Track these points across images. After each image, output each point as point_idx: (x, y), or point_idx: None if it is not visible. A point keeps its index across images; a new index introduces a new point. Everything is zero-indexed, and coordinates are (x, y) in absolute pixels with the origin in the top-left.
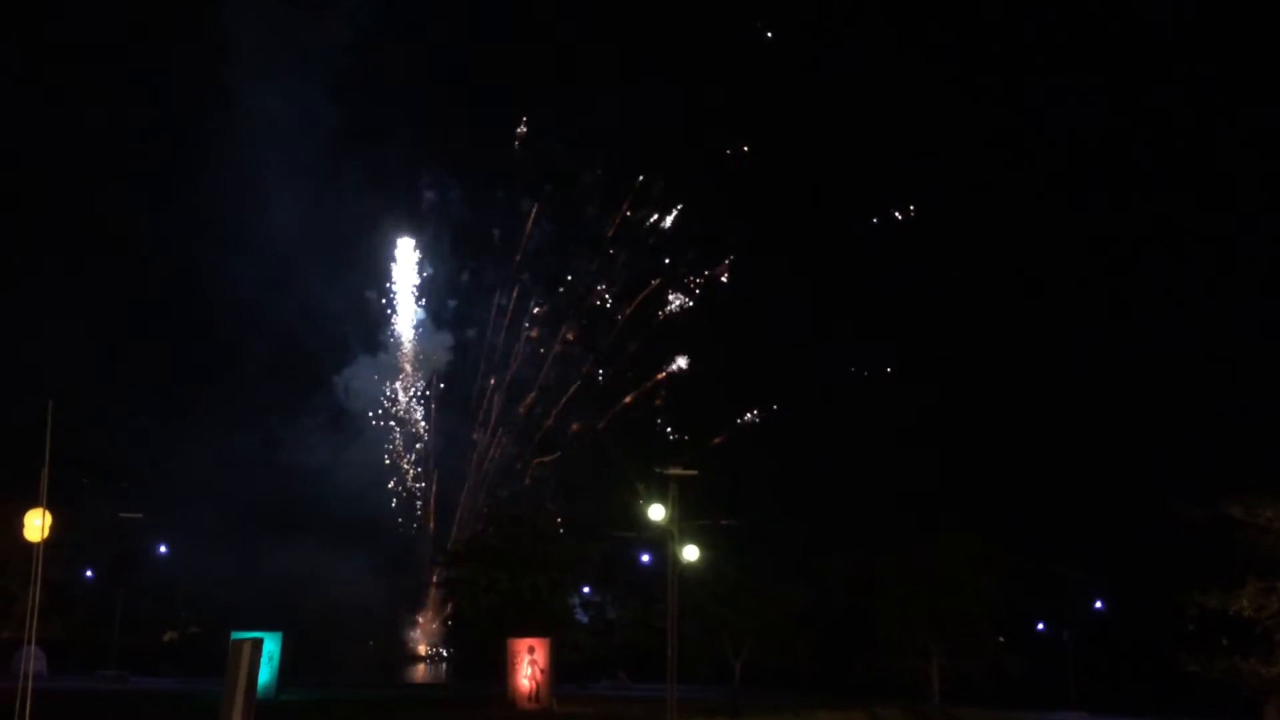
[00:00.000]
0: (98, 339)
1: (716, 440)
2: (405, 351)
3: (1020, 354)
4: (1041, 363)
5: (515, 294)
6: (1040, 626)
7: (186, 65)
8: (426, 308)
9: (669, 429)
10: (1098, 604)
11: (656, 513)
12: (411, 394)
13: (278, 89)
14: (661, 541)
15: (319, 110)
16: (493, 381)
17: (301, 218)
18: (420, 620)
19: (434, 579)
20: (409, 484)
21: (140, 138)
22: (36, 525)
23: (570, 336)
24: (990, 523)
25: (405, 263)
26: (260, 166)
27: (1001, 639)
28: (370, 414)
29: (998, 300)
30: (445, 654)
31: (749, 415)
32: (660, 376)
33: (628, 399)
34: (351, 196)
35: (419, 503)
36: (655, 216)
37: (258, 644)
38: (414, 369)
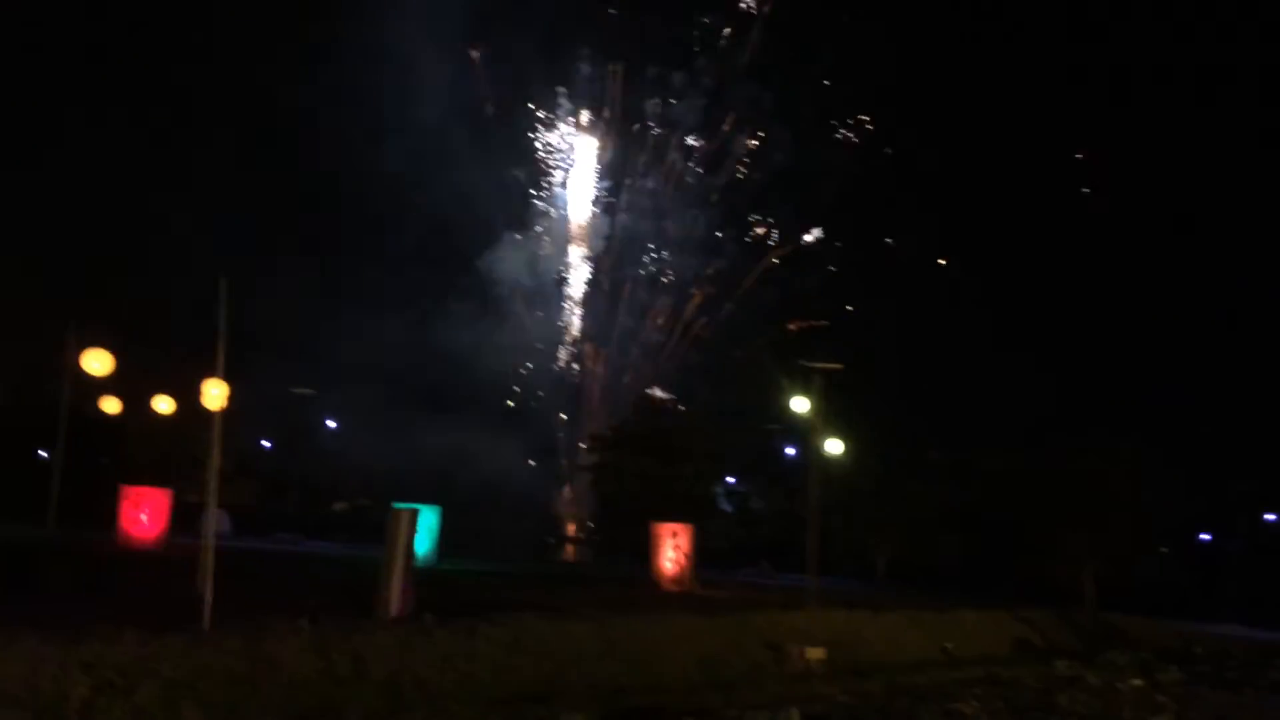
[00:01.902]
0: (260, 221)
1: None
2: (556, 233)
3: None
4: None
5: (670, 176)
6: (1205, 537)
7: None
8: (579, 189)
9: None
10: (1268, 516)
11: (800, 405)
12: (562, 277)
13: None
14: (806, 434)
15: None
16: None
17: (448, 96)
18: (567, 502)
19: (580, 463)
20: (557, 368)
21: (286, 17)
22: (214, 395)
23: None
24: (1156, 430)
25: (557, 143)
26: (407, 43)
27: (1163, 549)
28: (518, 296)
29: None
30: (591, 536)
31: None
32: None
33: (776, 257)
34: (500, 74)
35: (568, 387)
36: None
37: (414, 514)
38: (565, 251)
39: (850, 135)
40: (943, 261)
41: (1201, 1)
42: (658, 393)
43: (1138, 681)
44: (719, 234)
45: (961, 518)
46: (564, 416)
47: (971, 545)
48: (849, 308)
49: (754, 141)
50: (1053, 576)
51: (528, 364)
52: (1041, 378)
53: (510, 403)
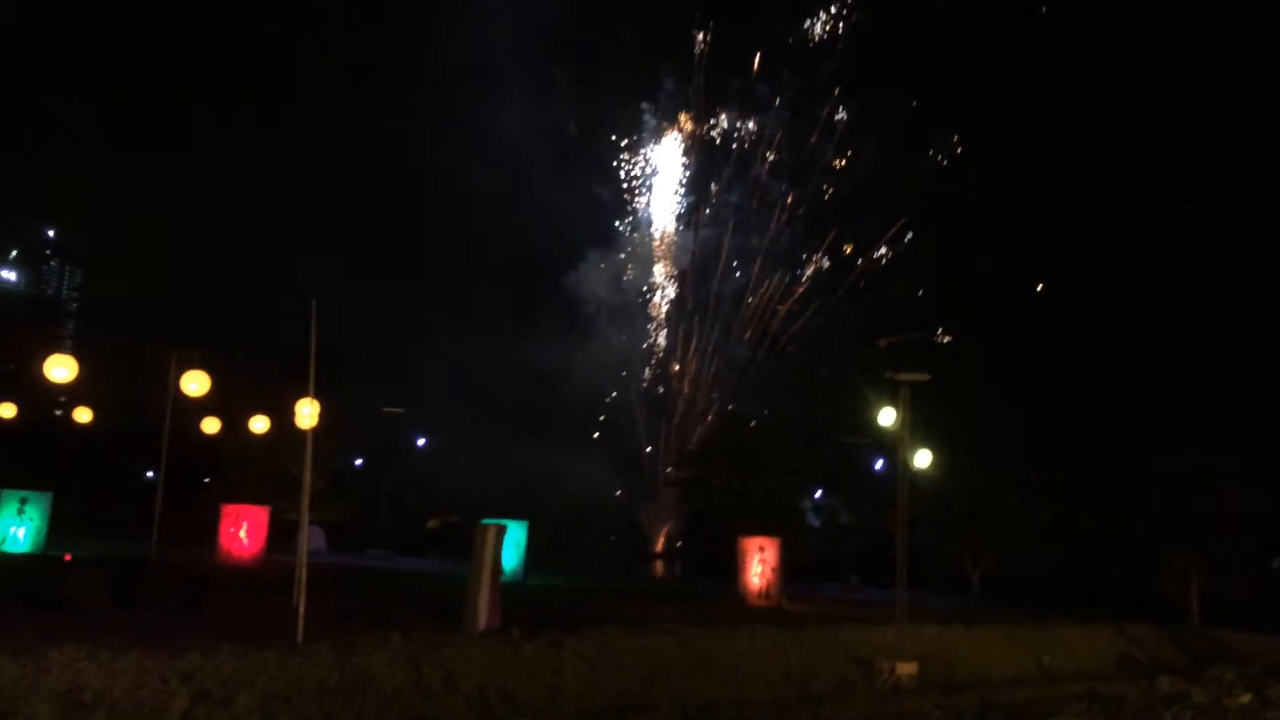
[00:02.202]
0: (351, 243)
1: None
2: (641, 251)
3: None
4: None
5: (755, 193)
6: None
7: None
8: (663, 205)
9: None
10: None
11: (887, 417)
12: (646, 294)
13: None
14: (893, 446)
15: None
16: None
17: (531, 116)
18: (654, 518)
19: (667, 479)
20: (642, 384)
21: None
22: (306, 414)
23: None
24: (1257, 441)
25: (641, 159)
26: (490, 64)
27: (1276, 562)
28: (604, 314)
29: None
30: (678, 552)
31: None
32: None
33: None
34: (582, 94)
35: (654, 404)
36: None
37: (501, 529)
38: (649, 268)
39: (939, 156)
40: (1039, 287)
41: None
42: (742, 408)
43: (1246, 698)
44: (804, 249)
45: (1059, 532)
46: (650, 434)
47: (1070, 560)
48: (940, 332)
49: (839, 161)
50: (1157, 591)
51: (619, 379)
52: (1133, 395)
53: (602, 418)
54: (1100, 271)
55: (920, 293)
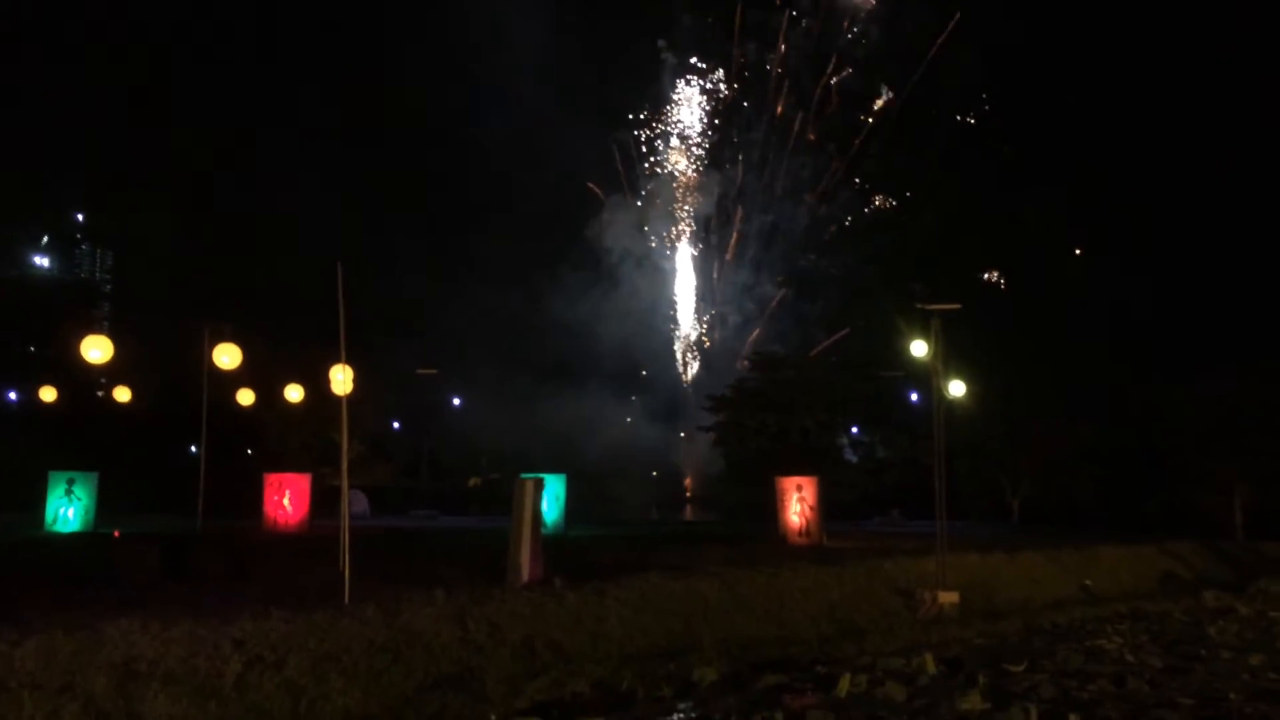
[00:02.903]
0: (374, 207)
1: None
2: (665, 194)
3: None
4: None
5: (777, 124)
6: None
7: None
8: (684, 148)
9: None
10: None
11: (918, 349)
12: (672, 238)
13: None
14: (927, 378)
15: None
16: (736, 218)
17: (548, 66)
18: (692, 463)
19: (702, 423)
20: (672, 329)
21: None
22: (339, 380)
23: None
24: None
25: (654, 103)
26: (508, 19)
27: None
28: (629, 260)
29: None
30: (717, 494)
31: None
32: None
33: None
34: (598, 43)
35: (684, 348)
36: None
37: (539, 483)
38: (674, 211)
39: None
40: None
41: None
42: (775, 348)
43: None
44: (829, 181)
45: (1100, 452)
46: (682, 373)
47: (1111, 481)
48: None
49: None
50: (1201, 506)
51: (650, 327)
52: (1179, 310)
53: (643, 372)
54: (1141, 170)
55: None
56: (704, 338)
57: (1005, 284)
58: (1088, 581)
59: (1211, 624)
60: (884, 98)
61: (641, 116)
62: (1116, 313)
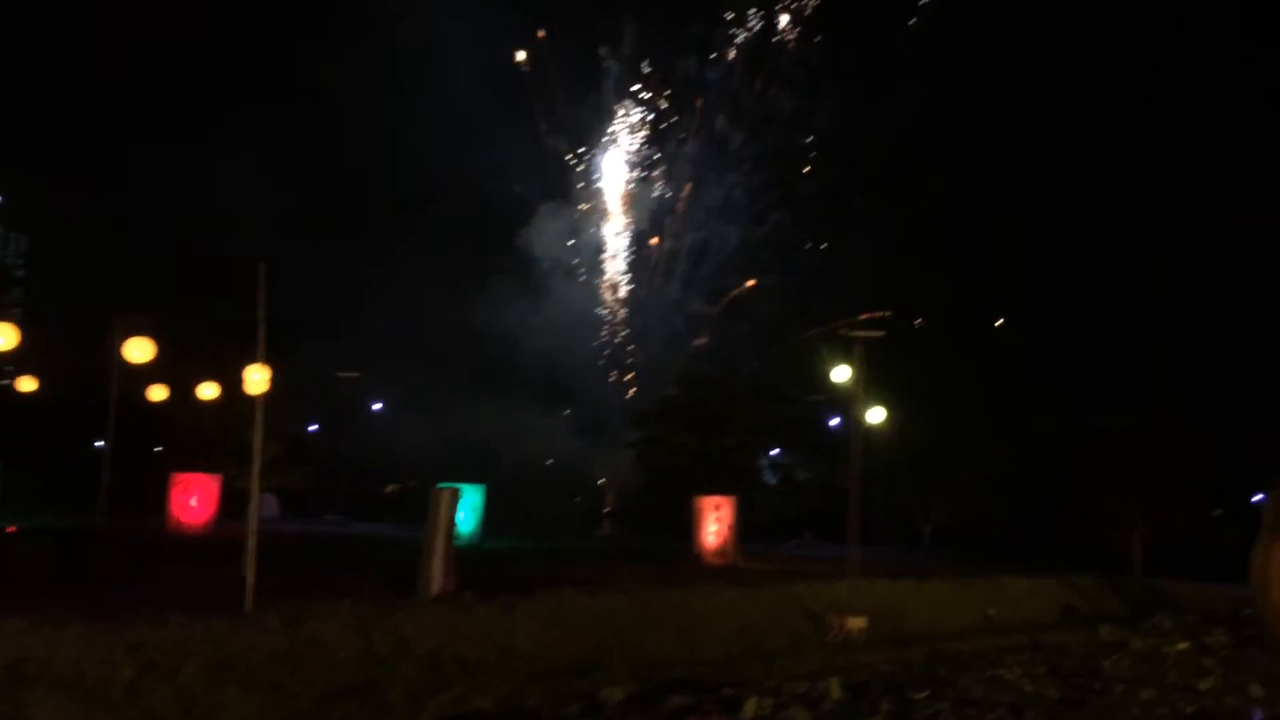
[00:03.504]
0: (299, 202)
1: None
2: (596, 204)
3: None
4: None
5: (692, 144)
6: (1259, 498)
7: None
8: (620, 159)
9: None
10: None
11: (841, 374)
12: (603, 249)
13: None
14: (848, 404)
15: None
16: (660, 238)
17: (477, 67)
18: (613, 478)
19: (626, 438)
20: (600, 342)
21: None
22: (255, 379)
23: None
24: (1207, 389)
25: (591, 111)
26: (430, 21)
27: (1219, 511)
28: (559, 270)
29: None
30: (636, 511)
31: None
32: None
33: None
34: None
35: (610, 362)
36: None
37: (456, 493)
38: (606, 223)
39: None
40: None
41: None
42: (701, 366)
43: (1184, 645)
44: (763, 203)
45: (1008, 483)
46: (607, 387)
47: (1019, 511)
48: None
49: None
50: (1102, 541)
51: (577, 338)
52: (1094, 338)
53: (569, 384)
54: (1071, 210)
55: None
56: (632, 353)
57: (924, 321)
58: (991, 611)
59: (1107, 657)
60: (819, 120)
61: (578, 124)
62: (1032, 353)
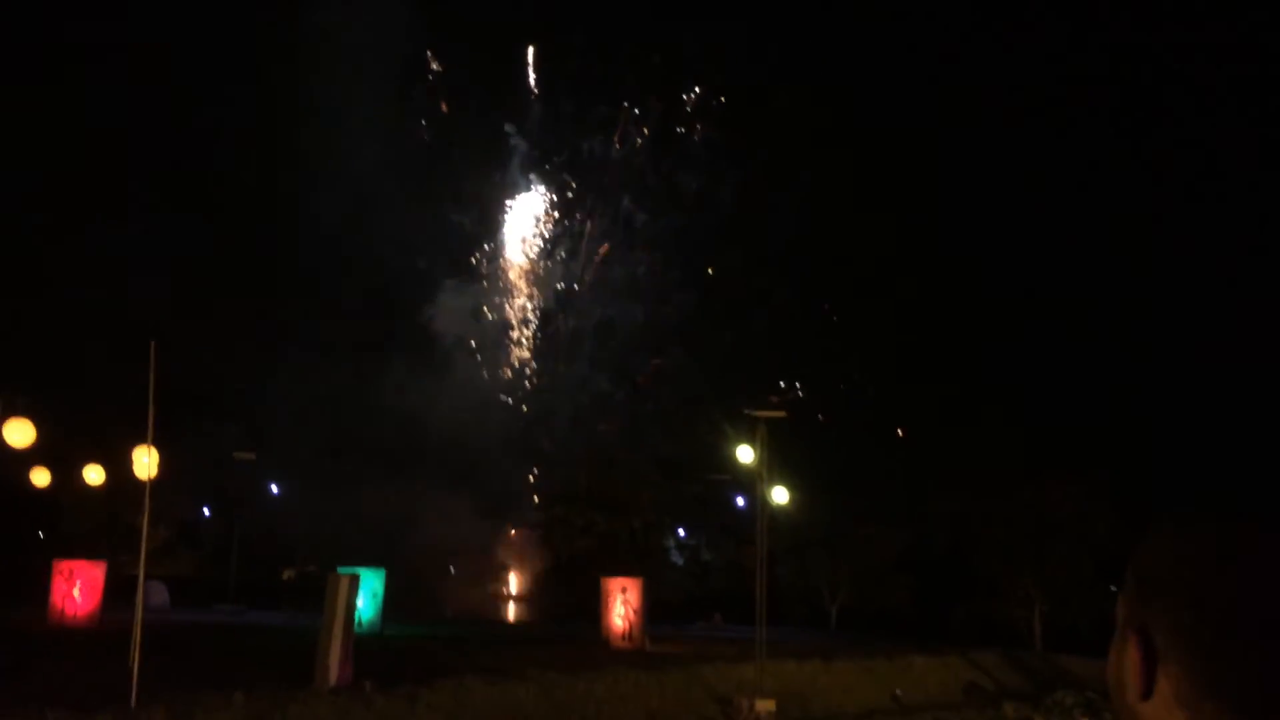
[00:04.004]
0: (189, 276)
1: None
2: (501, 281)
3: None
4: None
5: (597, 223)
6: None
7: None
8: (520, 236)
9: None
10: None
11: (745, 455)
12: (508, 327)
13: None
14: (753, 483)
15: (394, 28)
16: (564, 316)
17: (381, 145)
18: (516, 560)
19: (531, 519)
20: (504, 421)
21: (210, 70)
22: (144, 463)
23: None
24: (1099, 464)
25: (496, 188)
26: (334, 96)
27: (1113, 587)
28: (463, 348)
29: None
30: (542, 594)
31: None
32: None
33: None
34: (433, 124)
35: (515, 441)
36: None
37: (355, 579)
38: (508, 301)
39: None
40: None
41: None
42: (606, 446)
43: None
44: (667, 282)
45: (911, 562)
46: (514, 473)
47: (923, 589)
48: (797, 387)
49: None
50: (1004, 618)
51: (481, 417)
52: (992, 420)
53: (473, 464)
54: (967, 292)
55: (783, 322)
56: (537, 432)
57: (825, 416)
58: (898, 691)
59: None
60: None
61: (483, 201)
62: (920, 431)
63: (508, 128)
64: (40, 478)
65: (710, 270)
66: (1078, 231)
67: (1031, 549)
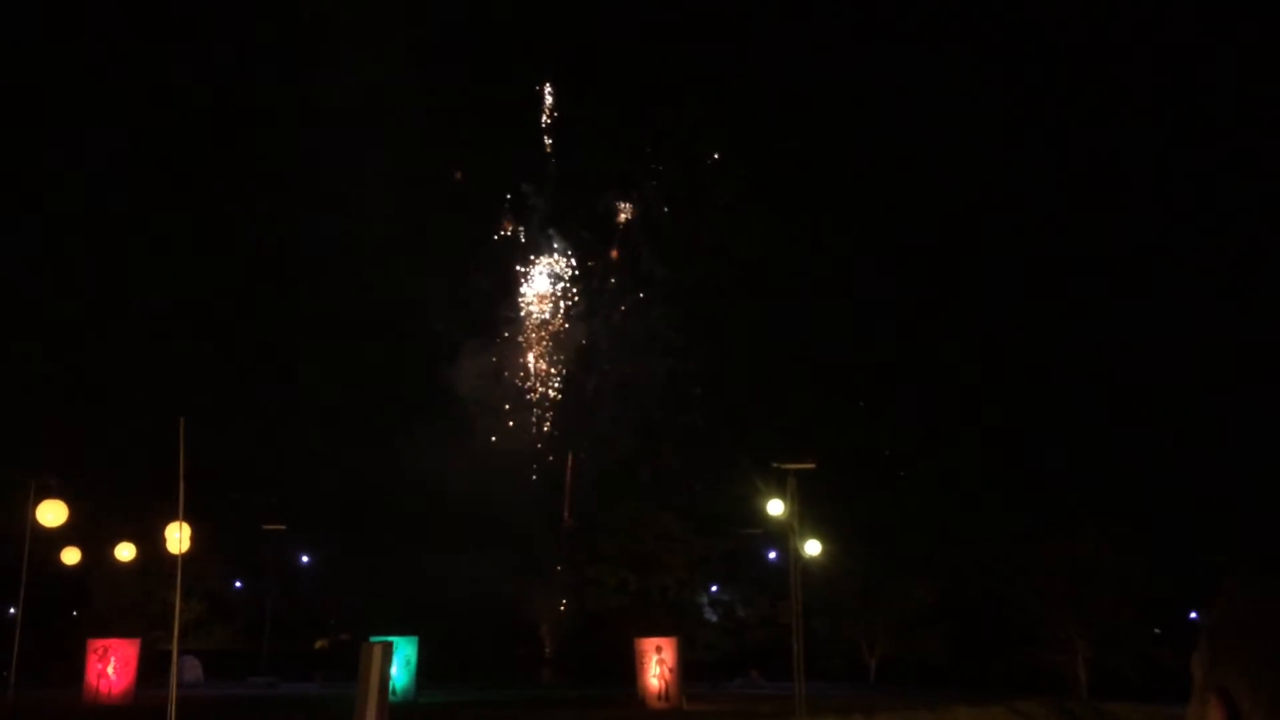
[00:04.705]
0: (215, 351)
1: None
2: (522, 343)
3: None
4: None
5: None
6: (1194, 616)
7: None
8: (539, 294)
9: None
10: None
11: (775, 508)
12: (529, 387)
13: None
14: (785, 536)
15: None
16: (587, 372)
17: (401, 207)
18: (551, 621)
19: (563, 580)
20: (529, 480)
21: (229, 142)
22: (176, 539)
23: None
24: (1139, 506)
25: (515, 247)
26: (351, 163)
27: (1157, 630)
28: (486, 408)
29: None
30: (573, 653)
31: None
32: None
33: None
34: (453, 184)
35: (546, 500)
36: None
37: (388, 647)
38: (529, 360)
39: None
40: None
41: None
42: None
43: None
44: (689, 337)
45: (948, 611)
46: (543, 530)
47: (961, 639)
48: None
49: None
50: (1045, 664)
51: (507, 477)
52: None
53: (503, 525)
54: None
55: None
56: (565, 490)
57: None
58: None
59: None
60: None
61: (503, 260)
62: (947, 478)
63: (525, 187)
64: (70, 556)
65: (731, 320)
66: (1116, 273)
67: (1068, 593)
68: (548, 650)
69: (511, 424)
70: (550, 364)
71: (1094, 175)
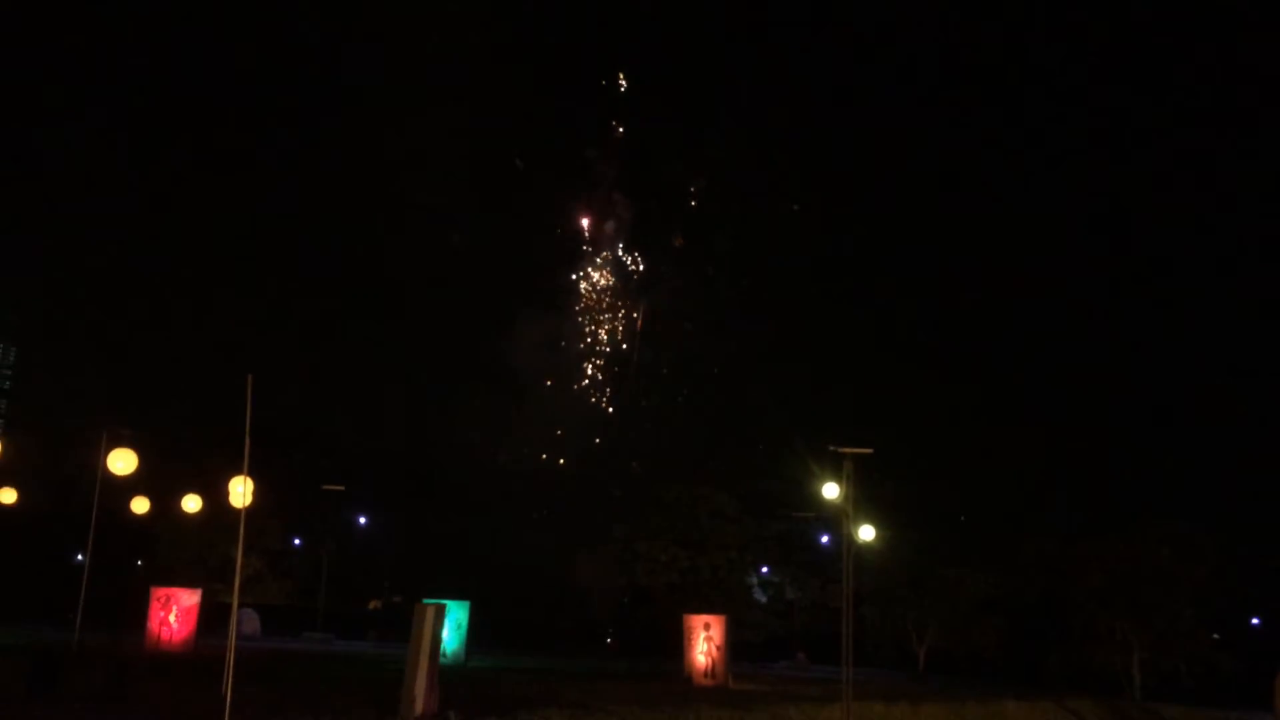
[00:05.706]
0: (293, 325)
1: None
2: (582, 313)
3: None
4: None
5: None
6: (1255, 621)
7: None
8: (606, 271)
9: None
10: None
11: (830, 491)
12: (588, 360)
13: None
14: (838, 521)
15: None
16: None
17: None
18: (602, 594)
19: (614, 555)
20: (583, 452)
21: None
22: (239, 492)
23: None
24: (1203, 510)
25: (581, 230)
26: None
27: (1215, 635)
28: (540, 378)
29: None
30: (621, 628)
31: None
32: None
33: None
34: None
35: (601, 470)
36: None
37: (441, 609)
38: (586, 330)
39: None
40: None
41: None
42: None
43: None
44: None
45: (1002, 604)
46: (595, 498)
47: (1013, 632)
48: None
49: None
50: (1101, 663)
51: (562, 447)
52: (1085, 461)
53: (555, 492)
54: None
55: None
56: (616, 464)
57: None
58: None
59: None
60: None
61: (566, 232)
62: (1016, 470)
63: (589, 151)
64: (140, 505)
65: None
66: (1198, 274)
67: (1128, 594)
68: (594, 620)
69: (566, 394)
70: (610, 336)
71: (1180, 174)
